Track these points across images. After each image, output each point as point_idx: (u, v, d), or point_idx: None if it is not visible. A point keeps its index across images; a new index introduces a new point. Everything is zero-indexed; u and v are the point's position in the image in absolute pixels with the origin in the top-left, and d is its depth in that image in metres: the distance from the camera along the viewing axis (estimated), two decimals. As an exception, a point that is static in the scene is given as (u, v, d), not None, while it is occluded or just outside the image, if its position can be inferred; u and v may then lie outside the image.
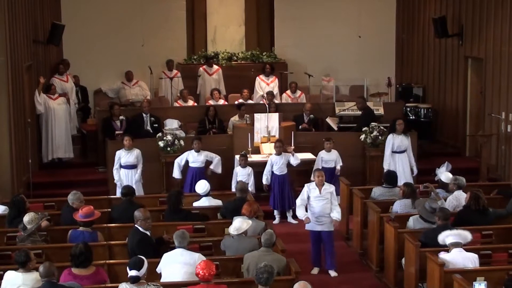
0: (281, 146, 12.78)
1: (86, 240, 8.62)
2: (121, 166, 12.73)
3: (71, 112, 15.68)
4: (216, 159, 13.06)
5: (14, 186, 12.89)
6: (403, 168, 13.11)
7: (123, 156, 12.69)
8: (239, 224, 8.86)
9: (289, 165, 12.82)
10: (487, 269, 8.47)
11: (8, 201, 10.31)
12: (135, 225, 8.79)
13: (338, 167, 13.01)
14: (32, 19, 14.84)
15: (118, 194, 11.74)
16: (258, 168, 12.96)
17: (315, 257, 10.58)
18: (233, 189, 12.35)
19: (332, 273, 10.51)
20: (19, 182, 13.29)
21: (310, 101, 16.20)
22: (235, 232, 8.82)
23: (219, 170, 13.09)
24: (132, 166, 12.71)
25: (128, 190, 10.28)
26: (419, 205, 9.74)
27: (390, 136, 13.25)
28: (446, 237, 8.53)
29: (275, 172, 12.75)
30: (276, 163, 12.73)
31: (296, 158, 12.72)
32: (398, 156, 13.21)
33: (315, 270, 10.54)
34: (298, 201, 10.43)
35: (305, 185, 10.51)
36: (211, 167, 13.02)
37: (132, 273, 7.27)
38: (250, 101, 16.21)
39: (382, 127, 13.85)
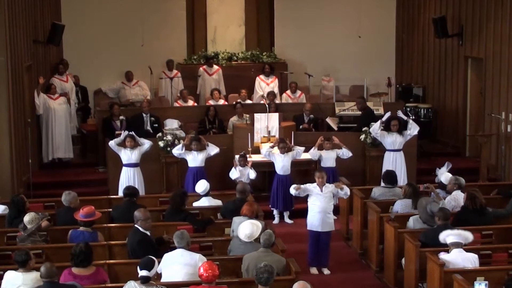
0: (286, 146, 12.77)
1: (86, 240, 8.62)
2: (123, 165, 12.72)
3: (71, 112, 15.68)
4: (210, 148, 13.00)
5: (14, 186, 12.89)
6: (396, 166, 13.05)
7: (126, 154, 12.66)
8: (249, 231, 8.58)
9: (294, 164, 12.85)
10: (487, 269, 8.47)
11: (8, 201, 10.31)
12: (135, 225, 8.79)
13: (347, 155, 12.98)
14: (32, 19, 14.84)
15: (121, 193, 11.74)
16: (258, 168, 12.95)
17: (312, 257, 10.59)
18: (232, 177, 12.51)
19: (326, 271, 10.56)
20: (19, 182, 13.28)
21: (310, 101, 16.20)
22: (248, 239, 8.57)
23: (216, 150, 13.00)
24: (134, 165, 12.69)
25: (130, 191, 10.27)
26: (420, 206, 9.71)
27: (383, 132, 13.19)
28: (447, 236, 8.53)
29: (278, 172, 12.73)
30: (279, 163, 12.71)
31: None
32: (393, 155, 13.20)
33: (314, 270, 10.55)
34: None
35: (309, 183, 10.51)
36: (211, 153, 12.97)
37: (142, 273, 7.27)
38: (248, 101, 16.22)
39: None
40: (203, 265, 7.33)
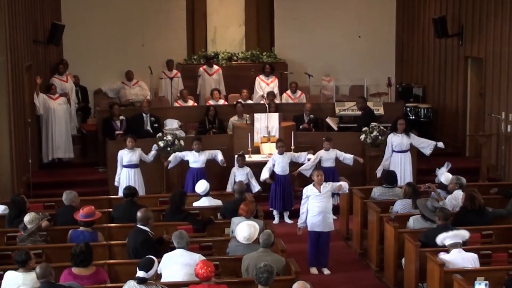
0: (283, 146, 12.78)
1: (86, 240, 8.63)
2: (123, 166, 12.76)
3: (71, 112, 15.68)
4: (219, 154, 13.09)
5: (14, 186, 12.89)
6: (404, 167, 13.09)
7: (125, 155, 12.71)
8: (247, 233, 8.55)
9: (291, 164, 12.84)
10: (487, 269, 8.47)
11: (8, 201, 10.31)
12: (137, 225, 8.78)
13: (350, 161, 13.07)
14: (32, 19, 14.84)
15: (121, 194, 11.77)
16: (259, 168, 12.95)
17: (312, 257, 10.59)
18: (229, 189, 12.54)
19: (326, 271, 10.58)
20: (19, 182, 13.28)
21: (310, 101, 16.21)
22: (246, 241, 8.56)
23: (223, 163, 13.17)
24: (135, 165, 12.75)
25: (130, 191, 10.26)
26: (420, 204, 9.73)
27: (390, 135, 13.30)
28: (444, 239, 8.53)
29: (277, 172, 12.74)
30: (278, 163, 12.72)
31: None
32: (399, 156, 13.21)
33: (313, 270, 10.55)
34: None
35: (305, 187, 10.51)
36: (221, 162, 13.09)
37: (140, 274, 7.26)
38: (249, 101, 16.22)
39: (382, 127, 13.86)
40: (198, 264, 7.37)
